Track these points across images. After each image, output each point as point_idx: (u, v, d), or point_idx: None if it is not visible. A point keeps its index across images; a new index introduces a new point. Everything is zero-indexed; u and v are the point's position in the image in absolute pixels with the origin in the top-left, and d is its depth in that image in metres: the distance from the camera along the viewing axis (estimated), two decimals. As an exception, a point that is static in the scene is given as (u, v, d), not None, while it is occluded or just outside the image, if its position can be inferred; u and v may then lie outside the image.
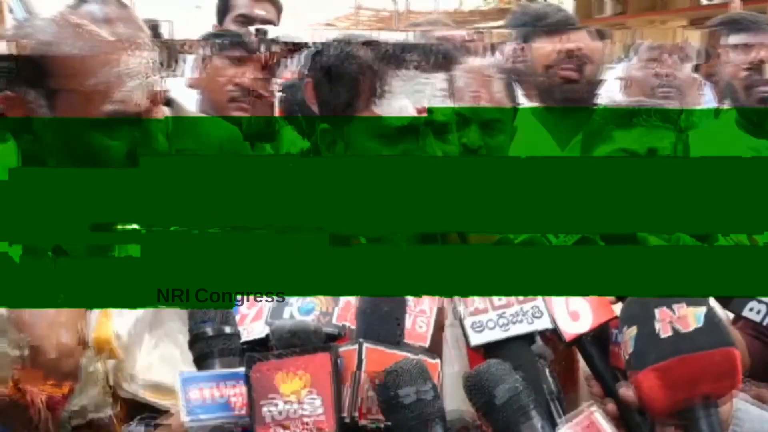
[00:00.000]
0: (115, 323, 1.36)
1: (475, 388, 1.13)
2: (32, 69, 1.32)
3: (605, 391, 1.24)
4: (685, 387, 1.10)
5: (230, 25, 2.78)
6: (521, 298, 1.23)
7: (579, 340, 1.26)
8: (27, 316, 1.27)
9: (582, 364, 1.31)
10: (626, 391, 1.16)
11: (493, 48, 3.05)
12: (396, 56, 1.39)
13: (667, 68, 2.63)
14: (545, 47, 2.36)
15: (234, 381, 1.16)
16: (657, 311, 1.13)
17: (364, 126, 1.41)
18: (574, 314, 1.24)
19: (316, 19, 17.88)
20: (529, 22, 2.42)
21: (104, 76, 1.29)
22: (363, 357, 1.16)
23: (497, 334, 1.21)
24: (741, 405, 1.17)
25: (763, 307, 1.43)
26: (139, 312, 1.38)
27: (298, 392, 1.13)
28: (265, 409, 1.12)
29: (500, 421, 1.10)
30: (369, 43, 1.41)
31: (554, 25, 2.40)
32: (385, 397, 1.12)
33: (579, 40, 2.36)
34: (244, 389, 1.14)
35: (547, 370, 1.22)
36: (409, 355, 1.16)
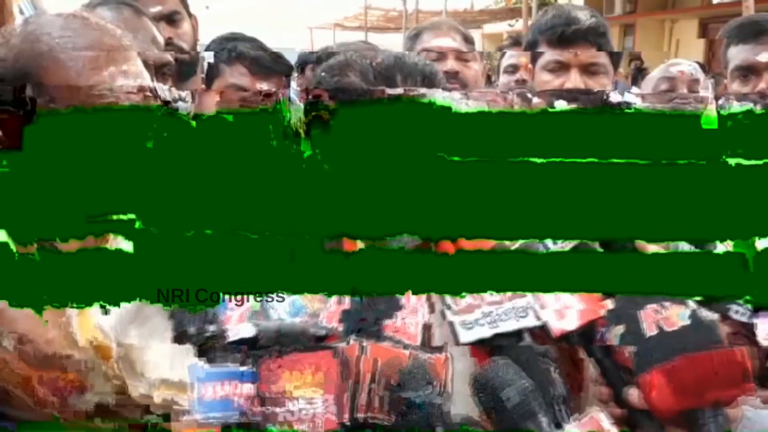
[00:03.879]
0: (101, 320, 1.36)
1: (484, 390, 1.11)
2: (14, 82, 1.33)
3: (612, 393, 1.21)
4: (695, 391, 1.09)
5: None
6: (510, 295, 1.21)
7: (582, 339, 1.23)
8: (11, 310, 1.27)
9: (588, 364, 1.28)
10: (634, 394, 1.15)
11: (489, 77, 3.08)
12: (383, 80, 1.37)
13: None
14: (551, 82, 2.30)
15: (245, 379, 1.14)
16: (645, 310, 1.12)
17: None
18: (564, 312, 1.21)
19: (324, 19, 17.95)
20: (559, 25, 2.38)
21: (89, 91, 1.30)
22: (370, 356, 1.14)
23: (486, 332, 1.19)
24: (750, 406, 1.16)
25: (743, 309, 1.42)
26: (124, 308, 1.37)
27: (307, 391, 1.11)
28: (274, 407, 1.11)
29: (508, 421, 1.09)
30: (351, 66, 1.39)
31: (578, 33, 2.34)
32: (398, 397, 1.10)
33: (593, 57, 2.31)
34: (253, 387, 1.13)
35: (552, 369, 1.19)
36: (414, 352, 1.15)
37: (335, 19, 16.97)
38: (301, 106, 2.01)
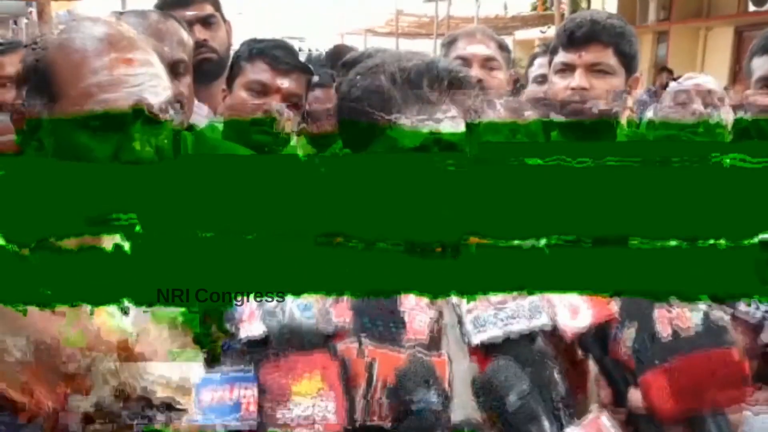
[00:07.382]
0: (117, 318, 1.37)
1: (486, 392, 1.11)
2: (40, 77, 1.36)
3: (615, 394, 1.21)
4: (695, 393, 1.09)
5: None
6: (520, 295, 1.20)
7: (584, 339, 1.22)
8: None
9: (591, 365, 1.27)
10: (636, 397, 1.15)
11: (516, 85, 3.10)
12: (410, 83, 1.37)
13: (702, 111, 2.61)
14: (558, 84, 2.32)
15: (245, 382, 1.14)
16: (656, 310, 1.11)
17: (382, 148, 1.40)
18: (574, 312, 1.20)
19: (356, 25, 18.00)
20: (572, 26, 2.39)
21: (93, 79, 1.32)
22: (369, 358, 1.14)
23: (497, 332, 1.18)
24: (751, 407, 1.16)
25: (753, 307, 1.41)
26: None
27: (308, 393, 1.11)
28: (275, 410, 1.11)
29: (510, 423, 1.09)
30: (383, 69, 1.39)
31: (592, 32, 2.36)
32: (396, 400, 1.10)
33: (598, 58, 2.31)
34: (255, 390, 1.13)
35: (555, 372, 1.20)
36: (413, 353, 1.15)
37: (367, 25, 17.00)
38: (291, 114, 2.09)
